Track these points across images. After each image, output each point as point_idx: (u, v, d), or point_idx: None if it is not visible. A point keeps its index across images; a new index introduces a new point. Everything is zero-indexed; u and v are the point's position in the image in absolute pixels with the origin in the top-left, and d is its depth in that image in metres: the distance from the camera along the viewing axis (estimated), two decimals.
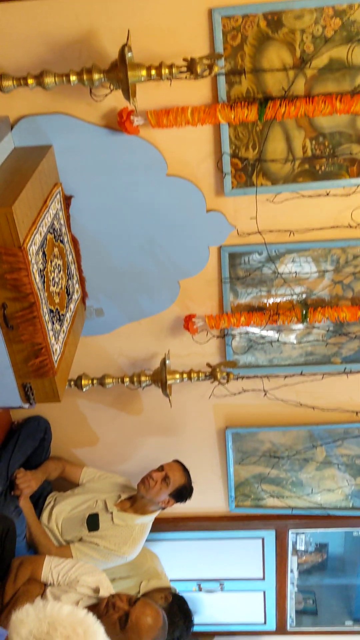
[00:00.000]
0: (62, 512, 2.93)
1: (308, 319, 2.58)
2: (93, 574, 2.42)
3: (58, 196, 2.24)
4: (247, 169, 2.31)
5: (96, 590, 2.38)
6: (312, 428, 2.97)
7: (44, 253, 2.03)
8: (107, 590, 2.40)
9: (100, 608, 2.27)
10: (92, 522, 2.85)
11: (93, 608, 2.32)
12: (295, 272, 2.57)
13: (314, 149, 2.27)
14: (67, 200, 2.35)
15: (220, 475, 3.24)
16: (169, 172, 2.35)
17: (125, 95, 1.97)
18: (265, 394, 2.88)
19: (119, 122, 2.19)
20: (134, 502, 2.90)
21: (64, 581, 2.37)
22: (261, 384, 2.86)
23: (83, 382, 2.70)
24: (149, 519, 2.91)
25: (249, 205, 2.39)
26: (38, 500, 3.00)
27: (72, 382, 2.71)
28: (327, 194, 2.37)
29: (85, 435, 3.19)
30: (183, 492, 2.86)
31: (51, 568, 2.39)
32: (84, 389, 2.71)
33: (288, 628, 3.74)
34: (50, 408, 3.04)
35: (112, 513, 2.85)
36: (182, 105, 2.17)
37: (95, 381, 2.73)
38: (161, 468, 2.84)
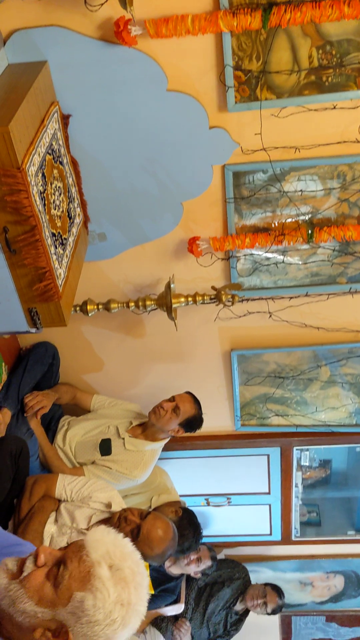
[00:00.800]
0: (76, 435, 3.01)
1: (314, 239, 2.55)
2: (105, 490, 2.51)
3: (55, 115, 2.16)
4: (250, 82, 2.21)
5: (108, 506, 2.48)
6: (316, 348, 3.00)
7: (43, 175, 1.99)
8: (119, 505, 2.50)
9: (112, 522, 2.37)
10: (105, 447, 2.93)
11: (105, 522, 2.42)
12: (301, 191, 2.52)
13: (321, 58, 2.17)
14: (65, 119, 2.28)
15: (226, 396, 3.30)
16: (170, 86, 2.26)
17: (121, 3, 1.86)
18: (270, 316, 2.89)
19: (115, 33, 2.09)
20: (144, 429, 2.97)
21: (77, 497, 2.47)
22: (266, 305, 2.86)
23: (88, 307, 2.71)
24: (159, 446, 2.98)
25: (253, 121, 2.31)
26: (50, 424, 3.08)
27: (78, 308, 2.72)
28: (334, 107, 2.28)
29: (92, 361, 3.24)
30: (193, 423, 2.92)
31: (64, 485, 2.48)
32: (90, 314, 2.72)
33: (293, 538, 3.92)
34: (57, 334, 3.07)
35: (124, 439, 2.92)
36: (182, 13, 2.06)
37: (100, 306, 2.73)
38: (172, 398, 2.88)
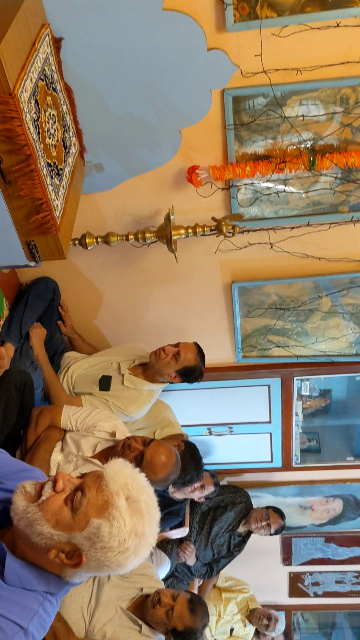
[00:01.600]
0: (78, 368, 3.05)
1: (315, 166, 2.49)
2: (109, 419, 2.56)
3: (47, 38, 2.07)
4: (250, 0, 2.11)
5: (113, 435, 2.53)
6: (317, 279, 2.99)
7: (36, 101, 1.92)
8: (123, 434, 2.56)
9: (117, 450, 2.43)
10: (104, 383, 2.95)
11: (110, 450, 2.49)
12: (303, 116, 2.44)
13: None
14: (57, 43, 2.19)
15: (227, 328, 3.32)
16: (165, 5, 2.15)
17: None
18: (271, 247, 2.86)
19: None
20: (145, 369, 2.99)
21: (82, 427, 2.52)
22: (267, 236, 2.84)
23: (87, 240, 2.68)
24: (156, 388, 3.00)
25: (253, 41, 2.22)
26: (53, 357, 3.12)
27: (77, 241, 2.70)
28: (337, 25, 2.19)
29: (92, 297, 3.24)
30: (190, 373, 2.90)
31: (69, 416, 2.52)
32: (89, 248, 2.70)
33: (293, 465, 4.03)
34: (56, 269, 3.06)
35: (123, 375, 2.95)
36: None
37: (99, 239, 2.71)
38: (177, 345, 2.88)
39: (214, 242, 2.86)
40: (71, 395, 2.94)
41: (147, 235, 2.64)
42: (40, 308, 2.98)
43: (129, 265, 3.05)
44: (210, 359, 3.46)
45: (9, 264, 2.22)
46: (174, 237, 2.57)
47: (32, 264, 2.17)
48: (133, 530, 1.25)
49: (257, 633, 4.42)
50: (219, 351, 3.44)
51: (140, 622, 2.51)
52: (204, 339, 3.29)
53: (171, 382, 2.98)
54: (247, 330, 3.30)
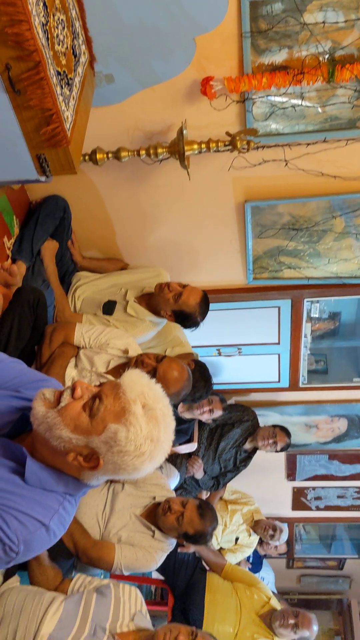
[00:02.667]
0: (86, 291, 3.05)
1: (335, 78, 2.39)
2: (122, 337, 2.60)
3: None
4: None
5: (125, 352, 2.58)
6: (331, 198, 2.93)
7: (44, 4, 1.83)
8: (135, 351, 2.60)
9: (129, 366, 2.48)
10: (108, 307, 2.96)
11: (123, 366, 2.54)
12: (323, 23, 2.32)
13: None
14: None
15: (239, 249, 3.30)
16: None
17: None
18: (286, 164, 2.80)
19: None
20: (149, 299, 2.98)
21: (95, 344, 2.57)
22: (282, 153, 2.76)
23: (98, 156, 2.62)
24: (157, 321, 2.98)
25: None
26: (64, 277, 3.12)
27: (87, 157, 2.64)
28: None
29: (103, 215, 3.20)
30: (185, 318, 2.86)
31: (82, 333, 2.56)
32: (100, 164, 2.65)
33: (300, 385, 4.11)
34: (66, 187, 3.02)
35: (127, 302, 2.95)
36: None
37: (110, 155, 2.65)
38: (183, 286, 2.84)
39: (228, 158, 2.79)
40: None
41: (159, 150, 2.58)
42: (51, 226, 2.96)
43: (140, 183, 2.99)
44: (221, 281, 3.48)
45: (20, 179, 2.18)
46: (186, 153, 2.51)
47: (43, 179, 2.13)
48: (149, 436, 1.29)
49: (260, 542, 4.65)
50: (230, 273, 3.44)
51: (153, 527, 2.65)
52: (215, 260, 3.28)
53: (166, 319, 2.94)
54: (259, 252, 3.28)
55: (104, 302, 2.93)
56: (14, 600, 2.00)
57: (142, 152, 2.61)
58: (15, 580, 2.16)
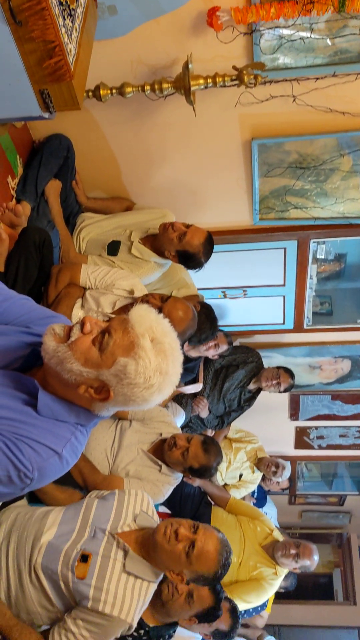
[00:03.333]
0: (90, 232, 3.04)
1: (345, 7, 2.31)
2: (127, 278, 2.61)
3: None
4: None
5: (131, 292, 2.60)
6: (340, 136, 2.88)
7: None
8: (141, 292, 2.62)
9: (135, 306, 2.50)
10: (112, 248, 2.94)
11: (129, 307, 2.56)
12: None
13: None
14: None
15: (245, 189, 3.26)
16: None
17: None
18: (294, 100, 2.73)
19: None
20: (154, 240, 2.96)
21: (101, 285, 2.58)
22: (290, 88, 2.70)
23: (101, 91, 2.57)
24: (162, 262, 2.97)
25: None
26: (68, 218, 3.11)
27: (90, 93, 2.58)
28: None
29: (107, 154, 3.15)
30: (189, 258, 2.85)
31: (88, 274, 2.58)
32: (103, 100, 2.59)
33: (304, 326, 4.14)
34: (70, 126, 2.96)
35: (132, 243, 2.94)
36: None
37: (114, 91, 2.59)
38: (189, 226, 2.81)
39: (234, 94, 2.72)
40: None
41: (164, 85, 2.52)
42: (55, 166, 2.92)
43: (145, 120, 2.93)
44: (227, 222, 3.46)
45: (23, 116, 2.15)
46: (192, 88, 2.46)
47: (46, 115, 2.10)
48: (158, 369, 1.33)
49: (263, 478, 4.79)
50: (236, 213, 3.41)
51: (159, 462, 2.73)
52: (221, 200, 3.26)
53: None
54: (265, 192, 3.24)
55: (108, 243, 2.92)
56: (15, 514, 2.05)
57: (147, 88, 2.55)
58: (22, 502, 2.21)
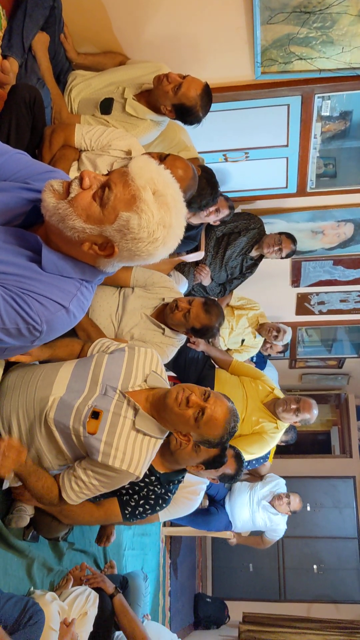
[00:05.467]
0: (81, 92, 2.87)
1: None
2: (124, 138, 2.51)
3: None
4: None
5: (128, 153, 2.51)
6: None
7: None
8: (138, 152, 2.53)
9: None
10: (105, 106, 2.78)
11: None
12: None
13: None
14: None
15: (246, 39, 3.04)
16: None
17: None
18: None
19: None
20: (149, 96, 2.78)
21: (97, 146, 2.49)
22: None
23: None
24: (158, 119, 2.81)
25: None
26: (59, 77, 2.93)
27: None
28: None
29: (96, 4, 2.91)
30: (185, 113, 2.69)
31: (83, 134, 2.47)
32: None
33: (308, 190, 4.05)
34: None
35: (125, 100, 2.76)
36: None
37: None
38: (185, 77, 2.63)
39: None
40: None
41: None
42: (41, 17, 2.70)
43: None
44: (227, 77, 3.27)
45: None
46: None
47: None
48: (161, 222, 1.31)
49: (264, 344, 4.94)
50: (236, 67, 3.21)
51: (162, 326, 2.79)
52: (220, 52, 3.07)
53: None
54: (268, 41, 3.02)
55: (101, 101, 2.77)
56: (23, 370, 2.08)
57: None
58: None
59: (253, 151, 3.78)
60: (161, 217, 1.31)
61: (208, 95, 2.68)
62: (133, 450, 1.93)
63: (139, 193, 1.29)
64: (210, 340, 4.04)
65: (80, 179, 1.33)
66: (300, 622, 5.78)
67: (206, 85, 2.68)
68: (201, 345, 3.68)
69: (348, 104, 3.76)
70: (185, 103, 2.63)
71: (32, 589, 2.43)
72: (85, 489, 1.94)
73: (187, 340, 3.55)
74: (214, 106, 3.37)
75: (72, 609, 2.46)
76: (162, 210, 1.31)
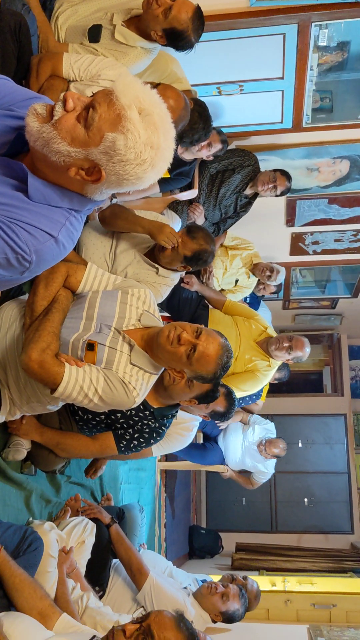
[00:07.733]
0: (68, 19, 2.74)
1: None
2: (114, 67, 2.42)
3: None
4: None
5: None
6: None
7: None
8: None
9: None
10: (93, 33, 2.65)
11: None
12: None
13: None
14: None
15: None
16: None
17: None
18: None
19: None
20: (139, 22, 2.63)
21: (86, 76, 2.40)
22: None
23: None
24: (149, 46, 2.68)
25: None
26: (45, 3, 2.79)
27: None
28: None
29: None
30: (178, 36, 2.56)
31: (71, 63, 2.38)
32: None
33: (303, 125, 3.96)
34: None
35: (114, 26, 2.63)
36: None
37: None
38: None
39: None
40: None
41: None
42: None
43: None
44: (220, 4, 3.15)
45: None
46: None
47: None
48: (148, 142, 1.28)
49: (258, 284, 4.93)
50: None
51: (156, 265, 2.78)
52: None
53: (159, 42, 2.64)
54: None
55: (89, 28, 2.65)
56: (18, 306, 2.07)
57: None
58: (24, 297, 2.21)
59: (248, 84, 3.68)
60: (148, 137, 1.28)
61: (200, 17, 2.58)
62: (130, 380, 1.97)
63: (124, 112, 1.26)
64: (204, 280, 4.03)
65: (64, 101, 1.29)
66: (291, 550, 6.04)
67: (198, 8, 2.56)
68: (195, 285, 3.68)
69: (346, 33, 3.63)
70: (176, 27, 2.53)
71: (30, 519, 2.51)
72: (85, 386, 1.89)
73: (181, 281, 3.55)
74: (207, 36, 3.25)
75: (70, 538, 2.54)
76: (149, 130, 1.28)
